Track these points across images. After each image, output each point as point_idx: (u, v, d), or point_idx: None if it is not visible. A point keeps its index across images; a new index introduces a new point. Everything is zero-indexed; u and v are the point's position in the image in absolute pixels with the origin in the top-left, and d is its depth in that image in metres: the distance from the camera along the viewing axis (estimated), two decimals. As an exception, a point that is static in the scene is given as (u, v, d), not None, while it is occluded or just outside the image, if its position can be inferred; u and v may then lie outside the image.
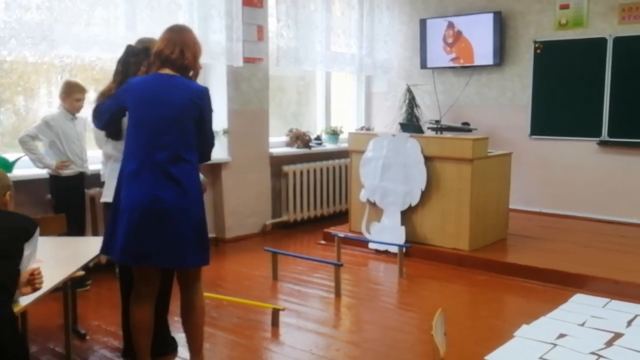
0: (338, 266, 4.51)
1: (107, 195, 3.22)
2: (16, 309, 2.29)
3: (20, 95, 5.19)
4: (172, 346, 3.49)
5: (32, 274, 2.30)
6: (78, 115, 4.54)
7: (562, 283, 4.63)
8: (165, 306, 3.42)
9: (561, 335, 3.66)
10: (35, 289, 2.33)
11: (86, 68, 5.46)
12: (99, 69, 5.41)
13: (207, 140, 3.02)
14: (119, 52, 5.18)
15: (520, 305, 4.43)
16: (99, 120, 3.10)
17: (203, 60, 5.61)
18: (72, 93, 4.45)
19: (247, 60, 6.00)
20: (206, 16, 5.62)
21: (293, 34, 6.57)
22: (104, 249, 2.93)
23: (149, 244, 2.75)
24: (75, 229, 4.16)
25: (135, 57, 3.19)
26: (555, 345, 3.51)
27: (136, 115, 2.87)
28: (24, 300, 2.36)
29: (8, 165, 4.52)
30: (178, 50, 2.89)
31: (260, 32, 6.21)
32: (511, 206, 6.00)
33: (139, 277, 2.95)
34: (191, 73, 3.00)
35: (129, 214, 2.76)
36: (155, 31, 5.15)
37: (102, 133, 3.25)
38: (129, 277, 3.15)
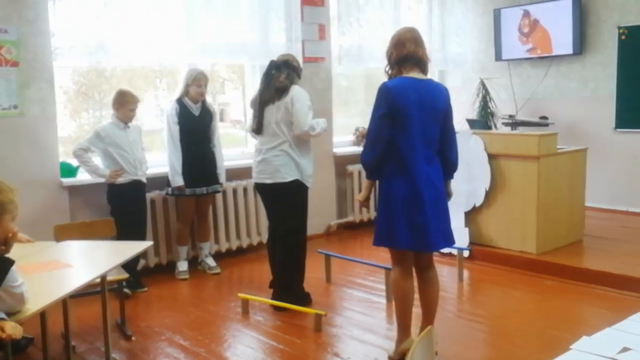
0: (389, 270, 4.36)
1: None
2: (19, 317, 2.31)
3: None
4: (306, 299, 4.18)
5: None
6: (130, 123, 4.55)
7: (637, 290, 4.24)
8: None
9: (624, 349, 3.29)
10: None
11: (182, 71, 5.61)
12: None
13: None
14: (179, 59, 5.37)
15: (586, 314, 4.10)
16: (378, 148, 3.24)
17: (262, 61, 5.75)
18: (126, 103, 4.45)
19: (308, 60, 5.95)
20: (265, 18, 5.63)
21: (356, 32, 6.45)
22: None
23: None
24: (132, 234, 4.21)
25: (277, 69, 3.92)
26: (614, 360, 3.21)
27: None
28: (35, 305, 2.39)
29: (72, 171, 4.71)
30: None
31: (322, 31, 6.14)
32: (593, 205, 5.61)
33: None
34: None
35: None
36: (212, 38, 5.28)
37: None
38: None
